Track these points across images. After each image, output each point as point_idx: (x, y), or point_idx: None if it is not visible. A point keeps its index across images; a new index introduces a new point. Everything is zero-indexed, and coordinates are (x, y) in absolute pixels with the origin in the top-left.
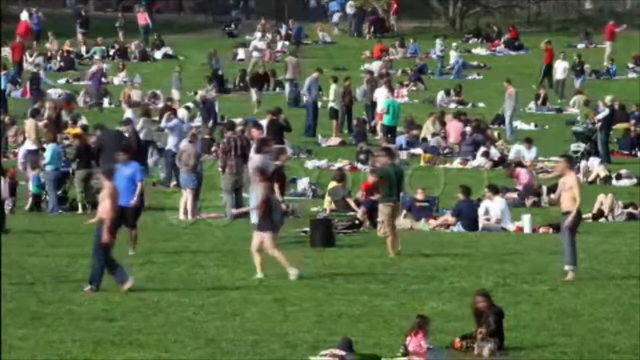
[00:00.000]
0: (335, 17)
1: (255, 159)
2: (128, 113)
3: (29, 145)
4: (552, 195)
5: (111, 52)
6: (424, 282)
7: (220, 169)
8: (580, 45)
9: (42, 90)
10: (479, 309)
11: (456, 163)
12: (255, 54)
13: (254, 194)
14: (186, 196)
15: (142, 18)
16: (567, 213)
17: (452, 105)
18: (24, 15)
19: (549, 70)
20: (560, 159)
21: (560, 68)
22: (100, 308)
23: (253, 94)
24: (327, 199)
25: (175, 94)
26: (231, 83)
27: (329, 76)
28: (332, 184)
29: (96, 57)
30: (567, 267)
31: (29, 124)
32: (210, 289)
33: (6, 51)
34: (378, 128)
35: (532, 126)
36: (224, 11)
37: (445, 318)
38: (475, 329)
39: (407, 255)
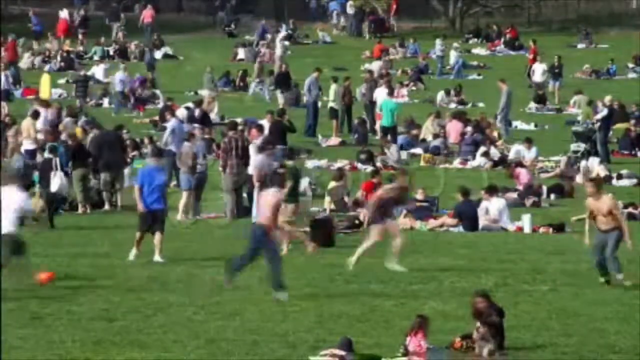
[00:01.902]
0: (335, 17)
1: (257, 159)
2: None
3: (28, 145)
4: (586, 226)
5: (111, 52)
6: (424, 282)
7: (220, 169)
8: (581, 45)
9: (89, 93)
10: (479, 310)
11: (456, 163)
12: (278, 51)
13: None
14: (186, 197)
15: (148, 15)
16: (613, 229)
17: (452, 105)
18: (64, 14)
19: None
20: (589, 182)
21: (538, 70)
22: (100, 308)
23: (279, 96)
24: (327, 199)
25: (206, 93)
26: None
27: (329, 76)
28: (332, 184)
29: (96, 57)
30: (620, 276)
31: (26, 123)
32: (210, 289)
33: None
34: (377, 128)
35: (532, 126)
36: (213, 11)
37: (445, 318)
38: (476, 329)
39: (407, 255)
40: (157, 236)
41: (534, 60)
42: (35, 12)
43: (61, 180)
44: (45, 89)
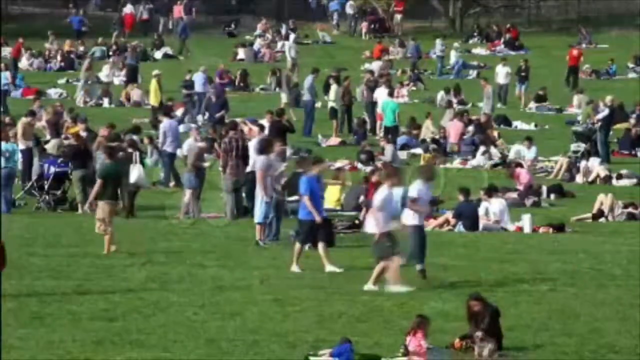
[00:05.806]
0: (335, 17)
1: (259, 160)
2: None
3: (22, 145)
4: None
5: (110, 52)
6: (424, 282)
7: (220, 169)
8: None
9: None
10: (475, 312)
11: (456, 163)
12: (293, 53)
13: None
14: (188, 195)
15: (177, 11)
16: None
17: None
18: (129, 8)
19: (573, 72)
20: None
21: (502, 73)
22: (100, 308)
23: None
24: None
25: (284, 97)
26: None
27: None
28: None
29: (96, 57)
30: None
31: (21, 123)
32: (210, 289)
33: (7, 51)
34: (378, 128)
35: (532, 126)
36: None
37: (445, 318)
38: (472, 331)
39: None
40: (322, 245)
41: (574, 61)
42: (80, 13)
43: (139, 172)
44: (152, 94)
